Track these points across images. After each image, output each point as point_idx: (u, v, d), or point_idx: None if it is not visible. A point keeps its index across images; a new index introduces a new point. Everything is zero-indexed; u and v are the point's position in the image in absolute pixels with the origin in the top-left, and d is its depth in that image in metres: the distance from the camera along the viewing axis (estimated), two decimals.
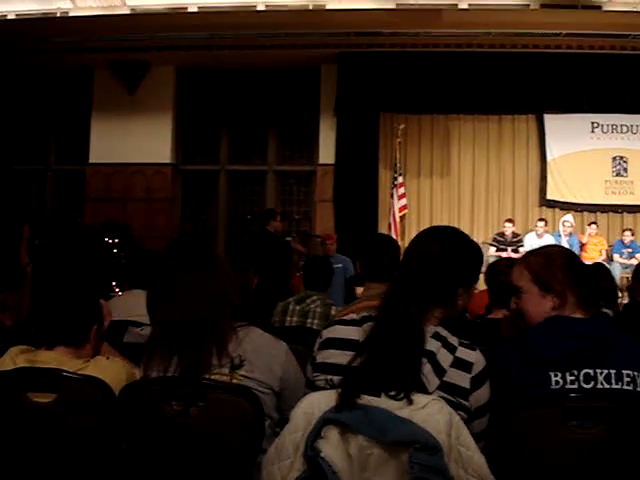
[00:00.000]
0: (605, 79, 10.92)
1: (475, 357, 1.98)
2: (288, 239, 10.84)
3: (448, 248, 2.12)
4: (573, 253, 2.49)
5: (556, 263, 2.28)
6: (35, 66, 11.82)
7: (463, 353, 1.97)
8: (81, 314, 2.33)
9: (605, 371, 2.10)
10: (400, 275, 2.10)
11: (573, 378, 2.10)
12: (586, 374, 2.10)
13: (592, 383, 2.09)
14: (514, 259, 4.85)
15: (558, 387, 2.09)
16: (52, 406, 2.14)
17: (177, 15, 10.78)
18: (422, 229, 2.33)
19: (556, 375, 2.11)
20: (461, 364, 1.95)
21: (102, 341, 2.45)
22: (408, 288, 2.02)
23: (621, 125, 11.47)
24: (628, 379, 2.10)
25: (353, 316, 2.12)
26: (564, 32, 10.31)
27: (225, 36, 10.73)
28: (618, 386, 2.09)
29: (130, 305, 3.76)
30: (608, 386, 2.09)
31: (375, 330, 1.96)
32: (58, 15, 11.36)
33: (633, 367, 2.11)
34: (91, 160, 11.98)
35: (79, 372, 2.18)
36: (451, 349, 1.97)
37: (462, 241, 2.20)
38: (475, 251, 2.23)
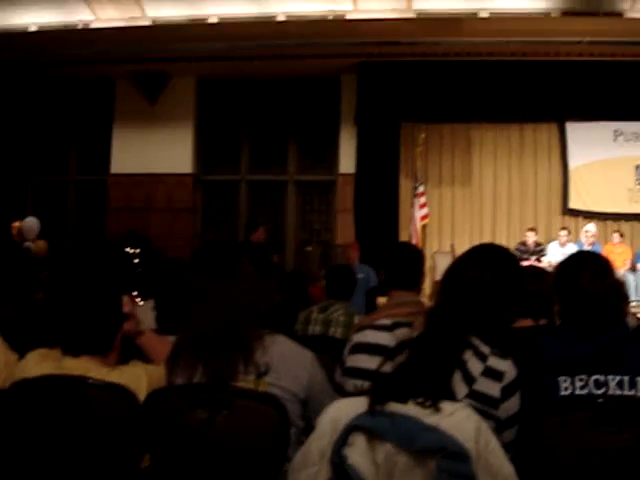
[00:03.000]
0: (627, 87, 10.81)
1: (506, 366, 1.97)
2: (308, 249, 10.82)
3: (501, 276, 2.11)
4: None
5: None
6: (56, 77, 11.92)
7: (494, 362, 1.95)
8: (106, 325, 2.33)
9: (617, 377, 2.08)
10: (449, 296, 2.07)
11: (582, 384, 2.08)
12: (596, 380, 2.08)
13: (603, 389, 2.08)
14: (537, 267, 4.81)
15: (568, 393, 2.08)
16: (77, 413, 2.14)
17: (197, 26, 10.83)
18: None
19: (565, 381, 2.09)
20: (492, 373, 1.93)
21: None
22: (457, 310, 2.00)
23: None
24: None
25: (385, 321, 2.11)
26: (585, 40, 10.24)
27: (245, 47, 10.76)
28: (632, 392, 2.07)
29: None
30: (620, 392, 2.07)
31: (414, 343, 1.94)
32: (79, 27, 11.47)
33: None
34: (112, 170, 12.05)
35: (104, 380, 2.18)
36: (482, 358, 1.95)
37: (514, 267, 2.18)
38: (523, 277, 2.22)
